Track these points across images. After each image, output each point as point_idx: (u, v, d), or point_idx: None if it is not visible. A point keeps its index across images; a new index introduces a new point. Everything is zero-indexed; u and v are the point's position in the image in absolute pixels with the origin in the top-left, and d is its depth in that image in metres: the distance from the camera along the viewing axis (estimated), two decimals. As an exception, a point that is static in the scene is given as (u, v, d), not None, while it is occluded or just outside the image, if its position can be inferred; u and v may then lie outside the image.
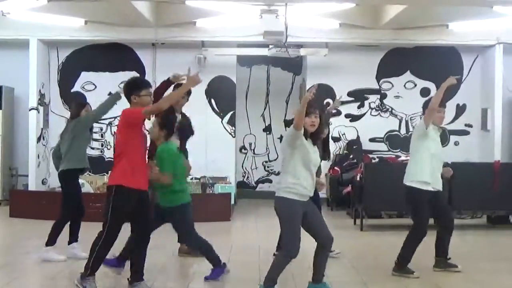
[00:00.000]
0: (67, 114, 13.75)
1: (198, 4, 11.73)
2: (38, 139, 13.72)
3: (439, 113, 7.65)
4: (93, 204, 10.60)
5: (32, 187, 13.26)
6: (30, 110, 13.49)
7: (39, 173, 13.66)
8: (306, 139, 6.19)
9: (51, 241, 8.06)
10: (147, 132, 6.64)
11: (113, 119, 12.72)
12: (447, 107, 13.75)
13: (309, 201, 6.29)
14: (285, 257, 6.24)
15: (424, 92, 14.11)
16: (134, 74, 13.87)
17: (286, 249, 6.25)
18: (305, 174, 6.18)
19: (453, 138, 14.20)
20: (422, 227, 7.39)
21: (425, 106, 7.67)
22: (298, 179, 6.17)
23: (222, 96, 14.25)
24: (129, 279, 6.60)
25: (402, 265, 7.44)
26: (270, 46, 12.91)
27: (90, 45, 14.07)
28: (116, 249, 6.77)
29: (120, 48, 14.14)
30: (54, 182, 12.93)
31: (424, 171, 7.45)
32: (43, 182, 13.56)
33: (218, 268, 7.26)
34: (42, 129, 13.68)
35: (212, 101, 14.09)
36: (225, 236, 10.72)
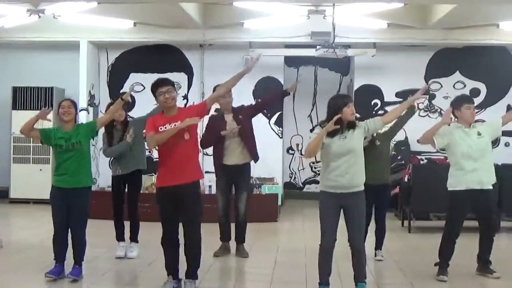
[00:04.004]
0: (117, 115, 14.04)
1: (246, 5, 11.72)
2: (88, 140, 13.90)
3: (469, 110, 7.49)
4: (142, 204, 10.72)
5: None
6: (80, 110, 13.44)
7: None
8: (343, 130, 6.29)
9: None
10: None
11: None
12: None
13: (352, 196, 6.26)
14: (319, 247, 6.38)
15: (474, 92, 13.85)
16: (182, 75, 14.19)
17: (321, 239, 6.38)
18: (333, 164, 6.26)
19: (503, 139, 13.83)
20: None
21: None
22: (326, 170, 6.35)
23: (269, 97, 14.23)
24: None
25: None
26: (318, 47, 12.84)
27: (138, 46, 14.29)
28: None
29: (168, 49, 14.29)
30: (103, 182, 13.14)
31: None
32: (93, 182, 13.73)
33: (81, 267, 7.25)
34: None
35: (259, 101, 14.03)
36: (272, 237, 10.79)
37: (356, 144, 6.31)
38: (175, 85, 6.79)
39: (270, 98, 9.63)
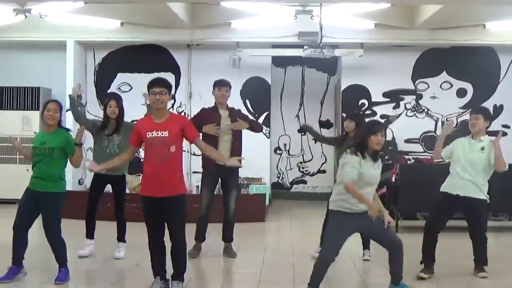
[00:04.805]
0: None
1: (233, 5, 11.78)
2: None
3: (471, 121, 7.69)
4: (129, 204, 10.70)
5: (68, 187, 13.30)
6: (67, 111, 13.34)
7: (76, 173, 13.78)
8: (366, 156, 6.30)
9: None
10: None
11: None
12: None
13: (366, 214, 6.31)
14: (319, 257, 6.40)
15: (461, 92, 14.01)
16: (169, 75, 14.11)
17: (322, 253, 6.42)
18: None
19: (490, 139, 14.05)
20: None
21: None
22: (346, 194, 6.30)
23: (256, 97, 14.30)
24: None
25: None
26: (305, 47, 12.90)
27: (126, 46, 14.29)
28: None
29: (156, 49, 14.30)
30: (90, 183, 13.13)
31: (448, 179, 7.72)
32: (80, 182, 13.71)
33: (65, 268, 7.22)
34: (78, 129, 13.73)
35: (247, 101, 14.16)
36: (259, 237, 10.81)
37: (379, 176, 6.44)
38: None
39: (257, 126, 9.36)
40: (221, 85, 8.80)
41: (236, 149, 8.70)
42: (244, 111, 13.24)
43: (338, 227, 6.33)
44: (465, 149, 7.56)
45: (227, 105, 8.83)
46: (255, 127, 8.98)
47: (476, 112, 7.72)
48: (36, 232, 7.27)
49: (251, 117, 9.05)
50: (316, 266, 6.38)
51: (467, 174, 7.47)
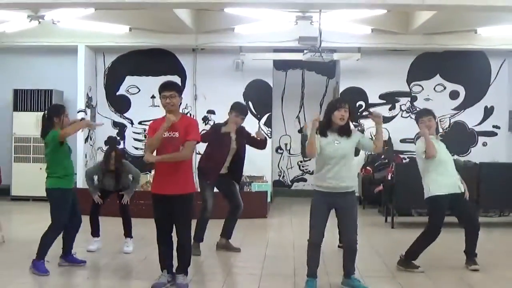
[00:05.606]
0: (113, 116, 14.46)
1: (236, 12, 11.94)
2: (86, 140, 14.30)
3: (424, 123, 7.79)
4: (137, 201, 11.03)
5: (80, 185, 13.58)
6: (78, 112, 13.92)
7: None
8: (328, 132, 6.56)
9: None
10: None
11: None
12: (476, 109, 14.14)
13: (343, 196, 6.53)
14: (308, 242, 6.67)
15: (453, 94, 14.44)
16: (175, 78, 14.36)
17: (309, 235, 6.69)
18: (326, 167, 6.53)
19: (481, 139, 14.53)
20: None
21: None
22: (319, 172, 6.60)
23: (259, 98, 14.63)
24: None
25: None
26: (305, 51, 13.17)
27: (134, 50, 14.62)
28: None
29: (163, 53, 14.63)
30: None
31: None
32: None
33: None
34: (89, 130, 14.15)
35: (250, 103, 14.41)
36: (261, 232, 10.95)
37: (348, 150, 6.56)
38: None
39: (258, 143, 9.44)
40: (239, 113, 8.76)
41: (237, 163, 8.91)
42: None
43: (316, 204, 6.58)
44: (441, 149, 7.74)
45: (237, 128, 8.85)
46: (257, 146, 9.07)
47: (428, 114, 7.89)
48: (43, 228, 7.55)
49: (252, 134, 9.20)
50: (308, 251, 6.65)
51: (454, 172, 7.75)
